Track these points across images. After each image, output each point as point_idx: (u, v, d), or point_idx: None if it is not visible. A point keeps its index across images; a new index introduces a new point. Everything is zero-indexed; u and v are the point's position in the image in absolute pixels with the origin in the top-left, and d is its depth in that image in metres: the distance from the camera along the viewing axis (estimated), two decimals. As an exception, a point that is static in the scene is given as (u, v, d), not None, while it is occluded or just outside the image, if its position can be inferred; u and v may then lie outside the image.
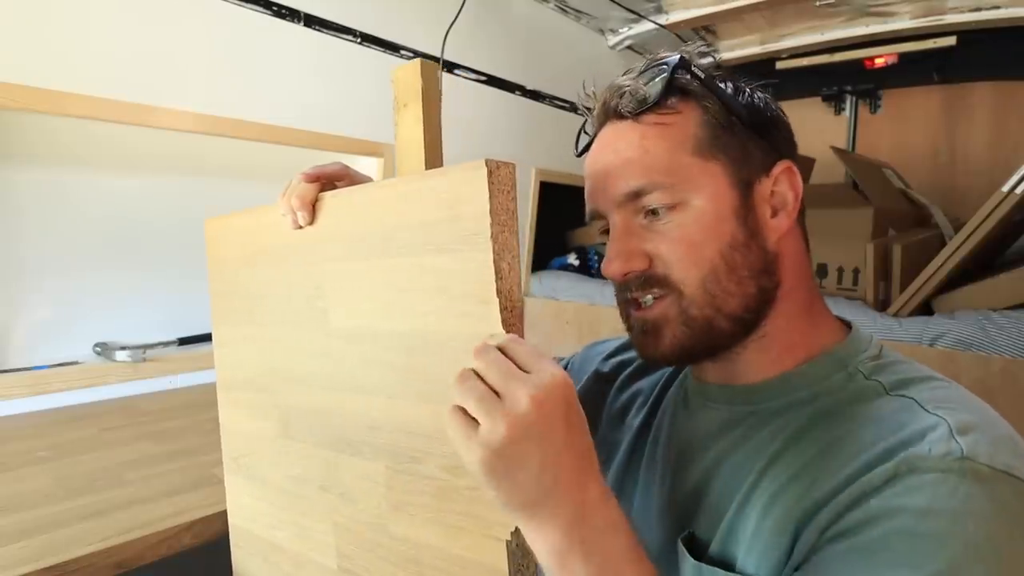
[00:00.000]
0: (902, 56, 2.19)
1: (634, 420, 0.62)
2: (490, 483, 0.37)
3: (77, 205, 1.15)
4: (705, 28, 2.23)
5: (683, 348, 0.50)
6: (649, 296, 0.50)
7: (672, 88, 0.50)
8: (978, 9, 1.93)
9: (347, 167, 0.58)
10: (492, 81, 1.82)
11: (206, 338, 1.32)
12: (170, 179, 1.28)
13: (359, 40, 1.45)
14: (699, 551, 0.48)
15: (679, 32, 2.18)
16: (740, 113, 0.49)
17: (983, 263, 1.50)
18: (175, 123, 1.17)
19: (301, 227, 0.56)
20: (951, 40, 2.07)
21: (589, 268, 2.18)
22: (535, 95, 1.99)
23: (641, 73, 0.51)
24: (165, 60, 1.15)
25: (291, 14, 1.31)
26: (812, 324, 0.52)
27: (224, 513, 0.74)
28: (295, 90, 1.36)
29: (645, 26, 2.11)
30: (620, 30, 2.21)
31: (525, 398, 0.36)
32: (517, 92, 1.92)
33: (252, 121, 1.28)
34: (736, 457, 0.49)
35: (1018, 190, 1.20)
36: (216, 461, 0.89)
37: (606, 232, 0.53)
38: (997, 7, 1.90)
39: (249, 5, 1.24)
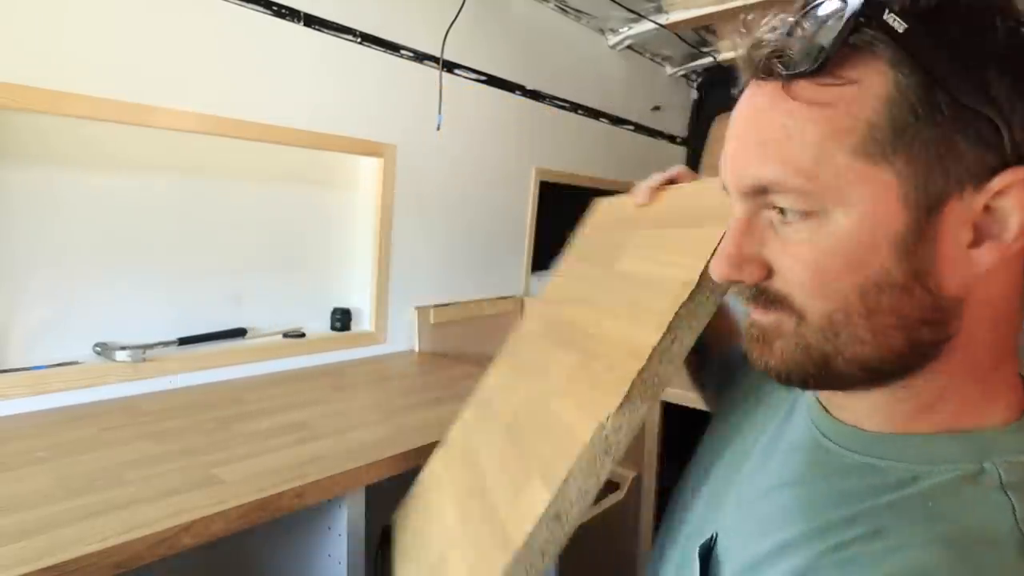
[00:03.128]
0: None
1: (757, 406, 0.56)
2: None
3: (77, 204, 1.15)
4: (705, 28, 2.23)
5: (792, 372, 0.39)
6: (759, 309, 0.40)
7: (849, 45, 0.33)
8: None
9: (690, 172, 0.72)
10: (492, 81, 1.82)
11: (206, 338, 1.32)
12: (170, 179, 1.28)
13: (359, 40, 1.45)
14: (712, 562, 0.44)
15: (679, 32, 2.18)
16: (959, 89, 0.31)
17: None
18: (175, 123, 1.17)
19: (639, 205, 0.74)
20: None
21: (589, 268, 2.18)
22: (535, 95, 1.99)
23: (807, 11, 0.35)
24: (165, 60, 1.15)
25: (291, 14, 1.31)
26: (984, 387, 0.38)
27: (223, 514, 0.74)
28: (295, 90, 1.36)
29: (645, 26, 2.11)
30: (620, 30, 2.21)
31: None
32: (517, 92, 1.92)
33: (252, 121, 1.28)
34: (800, 493, 0.41)
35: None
36: (216, 461, 0.89)
37: None
38: (997, 7, 1.90)
39: (249, 5, 1.24)
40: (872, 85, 0.33)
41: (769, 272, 0.38)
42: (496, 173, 1.93)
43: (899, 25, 0.32)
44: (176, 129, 1.18)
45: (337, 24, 1.40)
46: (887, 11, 0.32)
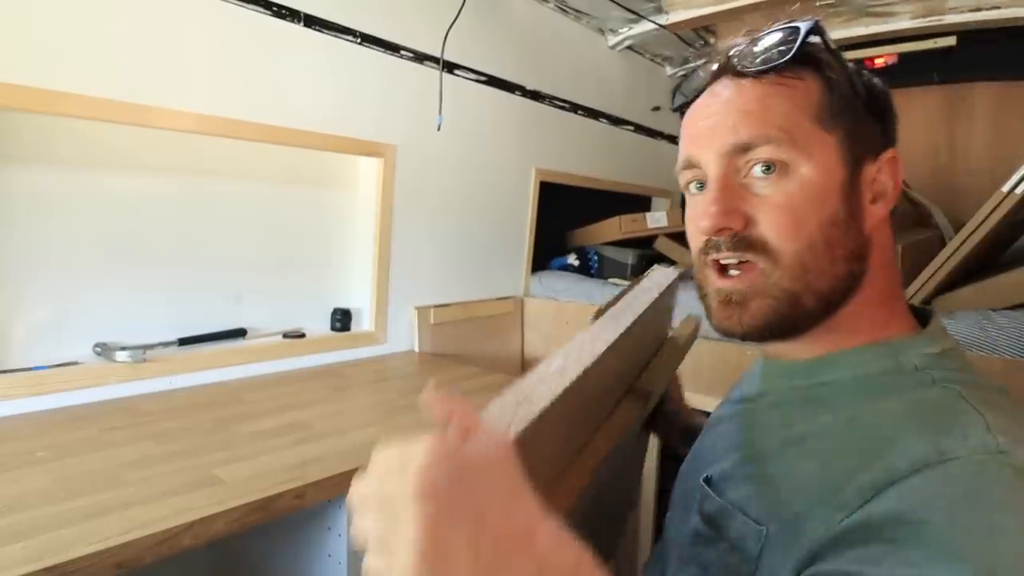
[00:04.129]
0: (902, 56, 2.19)
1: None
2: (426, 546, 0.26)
3: (77, 205, 1.15)
4: (705, 28, 2.23)
5: (767, 323, 0.49)
6: (734, 259, 0.49)
7: (801, 53, 0.48)
8: (978, 9, 1.93)
9: None
10: (492, 81, 1.82)
11: (206, 338, 1.32)
12: (170, 179, 1.28)
13: (359, 40, 1.45)
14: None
15: (679, 32, 2.18)
16: (861, 91, 0.49)
17: (983, 263, 1.50)
18: (175, 123, 1.17)
19: None
20: (951, 40, 2.07)
21: (589, 268, 2.18)
22: (535, 95, 1.99)
23: (770, 34, 0.50)
24: (165, 61, 1.15)
25: (291, 14, 1.31)
26: (886, 314, 0.51)
27: (223, 514, 0.74)
28: (295, 91, 1.36)
29: (645, 26, 2.11)
30: (620, 30, 2.21)
31: (447, 445, 0.28)
32: (517, 92, 1.92)
33: (252, 122, 1.28)
34: (765, 419, 0.53)
35: (1018, 190, 1.20)
36: (216, 462, 0.89)
37: (696, 186, 0.53)
38: (997, 7, 1.90)
39: (249, 5, 1.24)
40: (815, 80, 0.49)
41: (746, 224, 0.48)
42: (496, 173, 1.93)
43: (833, 44, 0.49)
44: (176, 129, 1.18)
45: (337, 24, 1.40)
46: (824, 33, 0.49)
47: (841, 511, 0.40)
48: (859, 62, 0.53)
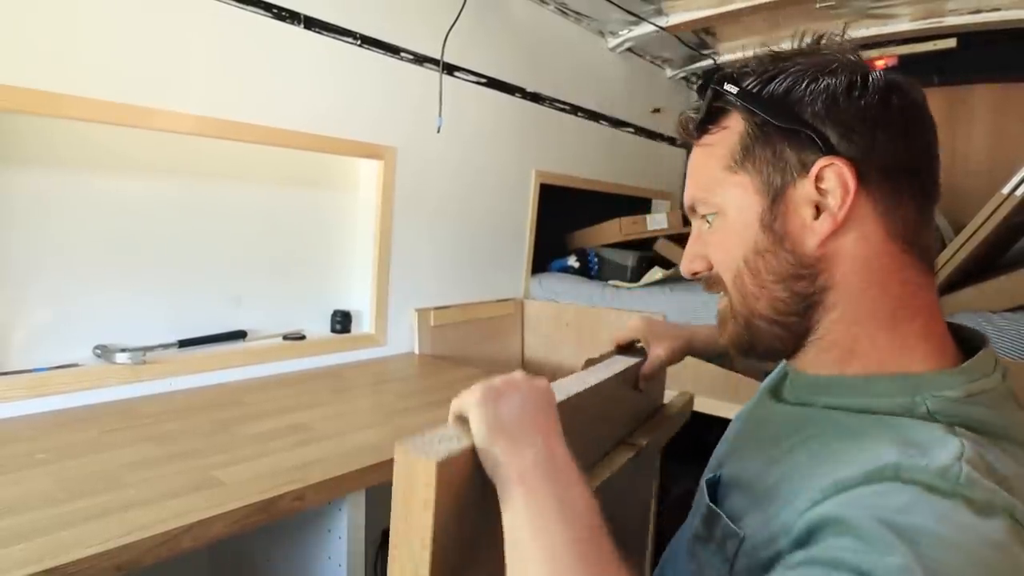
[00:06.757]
0: (902, 58, 2.19)
1: None
2: (482, 413, 0.45)
3: (77, 207, 1.15)
4: (705, 30, 2.23)
5: (737, 341, 0.55)
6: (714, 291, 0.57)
7: (715, 109, 0.54)
8: (978, 11, 1.93)
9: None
10: (492, 83, 1.83)
11: (206, 340, 1.32)
12: (170, 181, 1.28)
13: (359, 43, 1.45)
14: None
15: (679, 34, 2.18)
16: (777, 118, 0.49)
17: (983, 265, 1.50)
18: (175, 126, 1.17)
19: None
20: (951, 42, 2.07)
21: (589, 270, 2.18)
22: (535, 97, 1.99)
23: (700, 97, 0.56)
24: (165, 63, 1.15)
25: (291, 16, 1.31)
26: (894, 336, 0.49)
27: (223, 516, 0.74)
28: (295, 93, 1.36)
29: (645, 28, 2.12)
30: (620, 32, 2.21)
31: (519, 374, 0.50)
32: (517, 94, 1.93)
33: (252, 124, 1.28)
34: (764, 427, 0.56)
35: (1018, 192, 1.20)
36: (216, 464, 0.89)
37: None
38: (997, 9, 1.90)
39: (249, 8, 1.24)
40: (737, 127, 0.52)
41: (710, 264, 0.56)
42: (496, 175, 1.93)
43: (735, 88, 0.51)
44: (176, 132, 1.18)
45: (337, 27, 1.40)
46: (727, 83, 0.52)
47: (798, 516, 0.42)
48: (806, 73, 0.50)
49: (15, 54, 0.97)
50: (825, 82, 0.49)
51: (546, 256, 2.22)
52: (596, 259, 2.20)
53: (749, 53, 0.58)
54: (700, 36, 2.30)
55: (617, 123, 2.38)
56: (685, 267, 0.58)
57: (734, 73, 0.53)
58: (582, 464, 0.44)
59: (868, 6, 1.97)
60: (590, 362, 0.76)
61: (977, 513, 0.35)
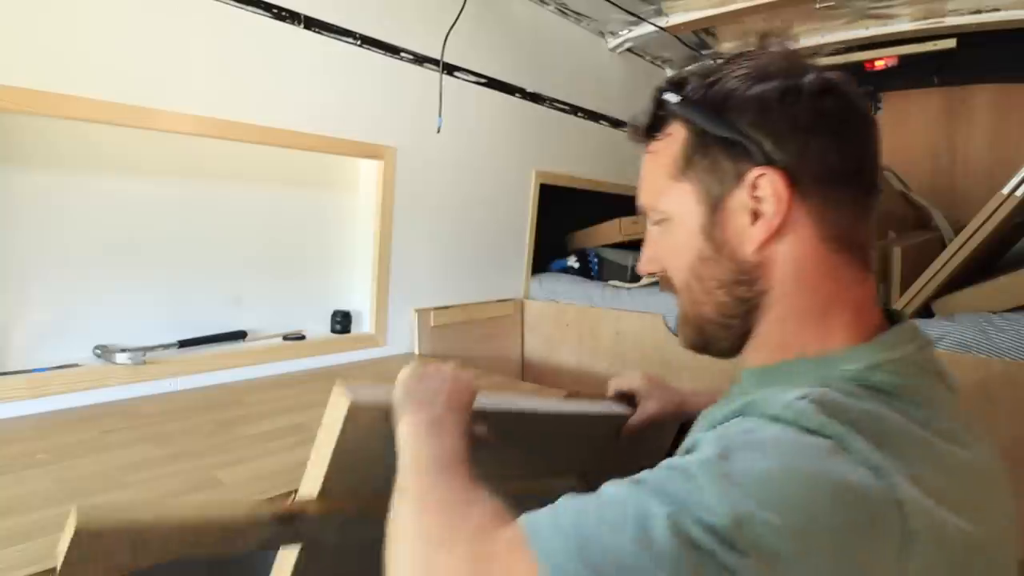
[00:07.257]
0: (902, 58, 2.19)
1: None
2: (405, 383, 0.59)
3: (78, 207, 1.15)
4: (705, 30, 2.24)
5: (692, 342, 0.58)
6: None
7: (660, 116, 0.55)
8: (978, 11, 1.93)
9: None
10: (492, 83, 1.83)
11: (206, 340, 1.32)
12: (171, 182, 1.28)
13: (359, 43, 1.46)
14: None
15: (679, 35, 2.18)
16: (716, 129, 0.50)
17: (983, 265, 1.50)
18: (175, 126, 1.17)
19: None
20: (951, 42, 2.07)
21: (589, 270, 2.19)
22: (535, 97, 1.99)
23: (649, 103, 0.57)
24: (166, 63, 1.15)
25: (291, 16, 1.31)
26: (821, 327, 0.51)
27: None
28: (295, 93, 1.36)
29: (645, 28, 2.12)
30: (620, 32, 2.21)
31: (450, 364, 0.64)
32: (517, 94, 1.93)
33: (252, 124, 1.28)
34: (706, 424, 0.57)
35: (1018, 192, 1.20)
36: (216, 464, 0.89)
37: None
38: (997, 9, 1.90)
39: (250, 8, 1.24)
40: (679, 135, 0.54)
41: (664, 267, 0.58)
42: (496, 175, 1.93)
43: (677, 97, 0.52)
44: (177, 132, 1.18)
45: (337, 27, 1.40)
46: (669, 92, 0.53)
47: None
48: (747, 83, 0.49)
49: (16, 54, 0.98)
50: (760, 89, 0.49)
51: (546, 256, 2.22)
52: (596, 259, 2.20)
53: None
54: (700, 36, 2.30)
55: (617, 123, 2.38)
56: (641, 268, 0.61)
57: (677, 80, 0.54)
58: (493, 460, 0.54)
59: (868, 6, 1.97)
60: (572, 395, 0.79)
61: (804, 433, 0.40)
